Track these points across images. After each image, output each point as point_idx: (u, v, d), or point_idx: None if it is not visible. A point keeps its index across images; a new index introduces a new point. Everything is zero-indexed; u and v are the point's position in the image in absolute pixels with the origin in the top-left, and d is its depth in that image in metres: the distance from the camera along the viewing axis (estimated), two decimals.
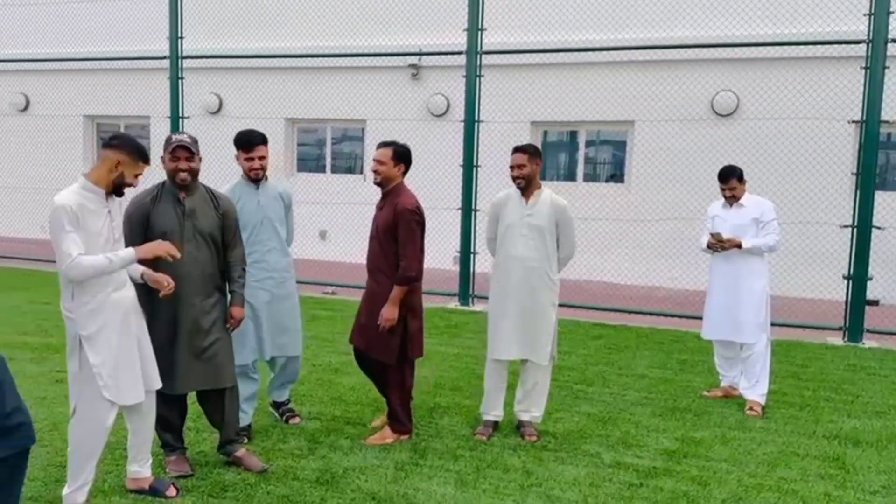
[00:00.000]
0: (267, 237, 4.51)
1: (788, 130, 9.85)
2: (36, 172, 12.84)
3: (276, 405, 4.89)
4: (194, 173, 3.90)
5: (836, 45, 8.21)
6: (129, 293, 3.54)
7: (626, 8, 10.58)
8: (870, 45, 7.33)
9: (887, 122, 7.52)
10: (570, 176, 11.80)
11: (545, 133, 11.91)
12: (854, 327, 7.50)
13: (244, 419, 4.47)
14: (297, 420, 4.81)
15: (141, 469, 3.75)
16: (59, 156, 13.14)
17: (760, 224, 5.26)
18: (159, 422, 3.99)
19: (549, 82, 10.97)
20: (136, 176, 3.45)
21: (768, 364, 5.33)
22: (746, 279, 5.28)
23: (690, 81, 10.30)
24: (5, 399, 2.90)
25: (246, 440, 4.42)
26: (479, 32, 8.58)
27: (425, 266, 4.47)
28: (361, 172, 12.67)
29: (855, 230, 7.48)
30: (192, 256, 3.87)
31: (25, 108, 14.62)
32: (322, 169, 13.19)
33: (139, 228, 3.80)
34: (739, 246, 5.21)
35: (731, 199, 5.36)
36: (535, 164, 4.57)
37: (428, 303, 6.66)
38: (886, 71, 7.33)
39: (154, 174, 3.90)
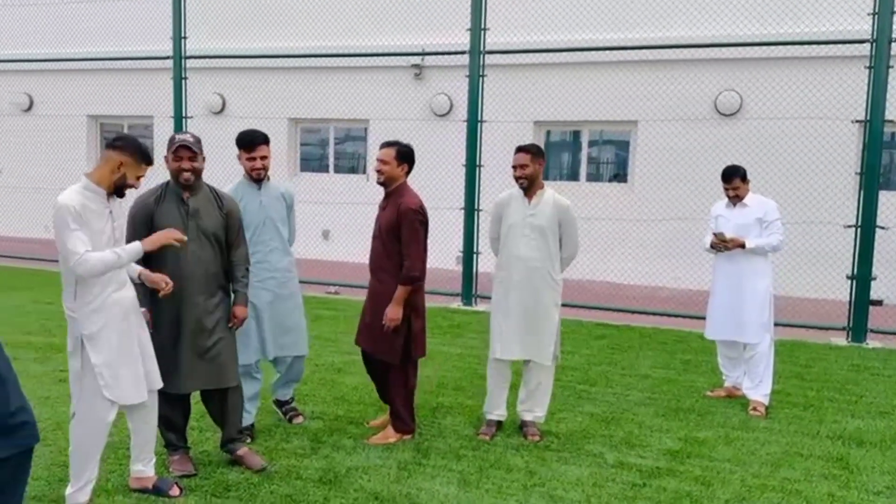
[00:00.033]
0: (269, 237, 4.51)
1: (792, 130, 9.83)
2: (39, 172, 12.87)
3: (280, 404, 4.90)
4: (197, 173, 3.90)
5: (839, 45, 8.20)
6: (130, 293, 3.55)
7: (630, 7, 10.57)
8: (874, 44, 7.31)
9: (891, 121, 7.52)
10: (573, 176, 11.80)
11: (548, 133, 11.90)
12: (858, 327, 7.48)
13: (247, 419, 4.47)
14: (300, 419, 4.81)
15: (145, 468, 3.76)
16: (62, 156, 13.17)
17: (764, 224, 5.25)
18: (162, 421, 4.00)
19: (553, 82, 10.97)
20: (138, 178, 3.46)
21: (772, 364, 5.32)
22: (750, 279, 5.27)
23: (693, 81, 10.28)
24: (9, 398, 2.90)
25: (249, 440, 4.43)
26: (483, 32, 8.57)
27: (428, 266, 4.47)
28: (364, 172, 12.68)
29: (859, 230, 7.46)
30: (196, 256, 3.88)
31: (29, 108, 14.65)
32: (325, 169, 13.20)
33: (143, 228, 3.80)
34: (743, 246, 5.20)
35: (735, 198, 5.36)
36: (537, 164, 4.56)
37: (431, 303, 6.66)
38: (890, 70, 7.31)
39: (157, 174, 3.91)
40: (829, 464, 4.35)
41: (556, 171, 11.93)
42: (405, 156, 4.48)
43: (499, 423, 4.75)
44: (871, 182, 7.40)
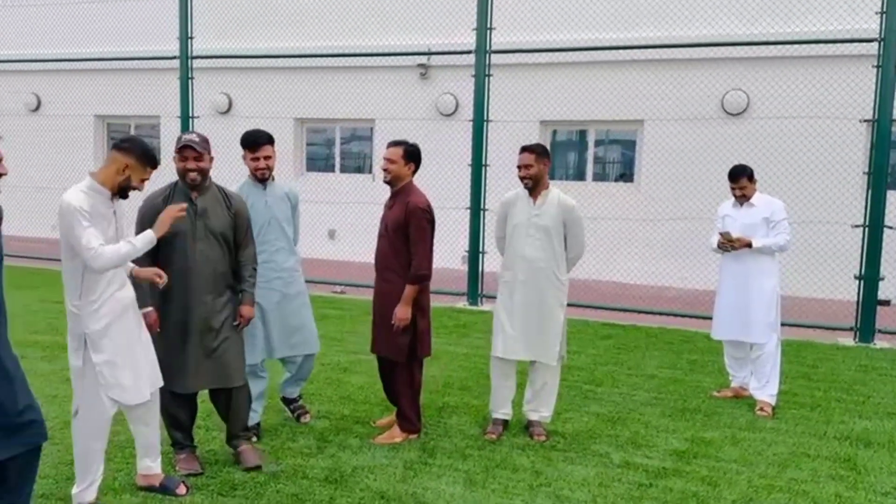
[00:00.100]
0: (274, 237, 4.52)
1: (799, 129, 9.79)
2: (47, 172, 12.91)
3: (287, 402, 4.90)
4: (204, 173, 3.91)
5: (847, 44, 8.17)
6: (130, 293, 3.57)
7: (636, 7, 10.55)
8: (882, 43, 7.27)
9: None
10: (580, 175, 11.78)
11: (554, 132, 11.89)
12: (865, 328, 7.45)
13: (253, 417, 4.47)
14: (307, 418, 4.82)
15: (152, 465, 3.76)
16: (69, 155, 13.21)
17: (771, 223, 5.23)
18: (169, 420, 4.02)
19: (559, 81, 10.95)
20: (143, 181, 3.47)
21: (779, 364, 5.31)
22: (757, 279, 5.25)
23: (700, 80, 10.25)
24: (17, 397, 2.92)
25: (255, 438, 4.44)
26: (488, 32, 8.57)
27: (434, 266, 4.47)
28: (370, 172, 12.68)
29: (866, 230, 7.43)
30: (204, 255, 3.89)
31: (37, 108, 14.72)
32: (331, 168, 13.21)
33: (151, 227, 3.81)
34: (750, 245, 5.19)
35: (742, 198, 5.34)
36: (542, 164, 4.55)
37: (436, 302, 6.66)
38: None
39: (167, 174, 3.92)
40: (837, 464, 4.33)
41: (563, 171, 11.92)
42: (412, 155, 4.48)
43: (505, 423, 4.74)
44: (879, 182, 7.36)
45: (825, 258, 9.04)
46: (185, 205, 3.68)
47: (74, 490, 3.54)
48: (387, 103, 11.99)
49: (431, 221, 4.39)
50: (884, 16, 7.26)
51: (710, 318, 5.66)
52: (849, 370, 6.38)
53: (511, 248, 4.65)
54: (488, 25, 8.56)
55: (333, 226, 12.35)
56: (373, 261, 4.60)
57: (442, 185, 7.98)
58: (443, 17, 10.75)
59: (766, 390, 5.25)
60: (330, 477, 3.99)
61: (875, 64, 7.35)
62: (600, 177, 11.75)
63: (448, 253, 8.18)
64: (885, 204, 7.36)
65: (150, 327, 3.80)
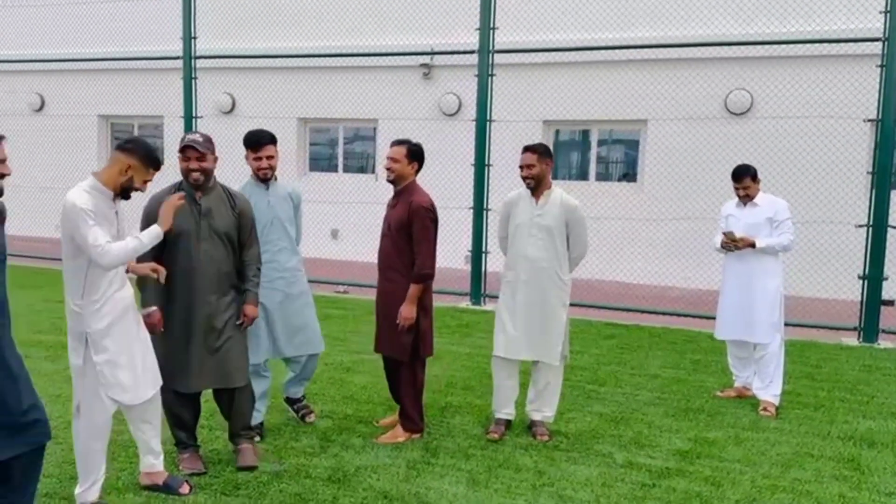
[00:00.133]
0: (277, 237, 4.52)
1: (803, 129, 9.77)
2: (50, 172, 12.94)
3: (291, 402, 4.90)
4: (207, 173, 3.91)
5: (851, 43, 8.15)
6: (129, 292, 3.57)
7: (639, 6, 10.54)
8: (885, 42, 7.26)
9: None
10: (583, 175, 11.77)
11: (557, 132, 11.88)
12: (869, 328, 7.43)
13: (257, 417, 4.48)
14: (312, 417, 4.82)
15: (155, 462, 3.77)
16: (73, 155, 13.24)
17: (774, 223, 5.22)
18: (173, 419, 4.03)
19: (562, 81, 10.94)
20: (145, 182, 3.48)
21: (782, 364, 5.30)
22: (760, 279, 5.25)
23: (703, 80, 10.24)
24: (21, 396, 2.92)
25: (258, 438, 4.44)
26: (491, 31, 8.56)
27: (437, 265, 4.47)
28: (373, 172, 12.69)
29: (870, 230, 7.41)
30: (209, 255, 3.89)
31: (41, 108, 14.75)
32: (334, 168, 13.22)
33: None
34: (753, 245, 5.18)
35: (745, 198, 5.33)
36: (544, 164, 4.55)
37: (439, 302, 6.66)
38: None
39: (169, 174, 3.92)
40: (841, 465, 4.32)
41: (566, 171, 11.91)
42: (415, 154, 4.49)
43: (507, 423, 4.74)
44: (882, 181, 7.35)
45: (829, 258, 9.03)
46: (182, 193, 3.70)
47: (77, 490, 3.55)
48: (390, 103, 11.99)
49: (435, 220, 4.40)
50: (888, 15, 7.25)
51: (714, 318, 5.66)
52: (852, 370, 6.37)
53: (513, 247, 4.65)
54: (491, 25, 8.56)
55: (336, 226, 12.36)
56: (376, 260, 4.60)
57: (445, 184, 7.98)
58: (446, 17, 10.75)
59: (769, 390, 5.24)
60: (333, 476, 3.99)
61: (879, 63, 7.33)
62: (603, 177, 11.74)
63: (451, 253, 8.18)
64: (888, 204, 7.35)
65: (154, 326, 3.82)
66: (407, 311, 4.33)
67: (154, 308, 3.82)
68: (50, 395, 5.01)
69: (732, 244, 5.23)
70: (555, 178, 11.43)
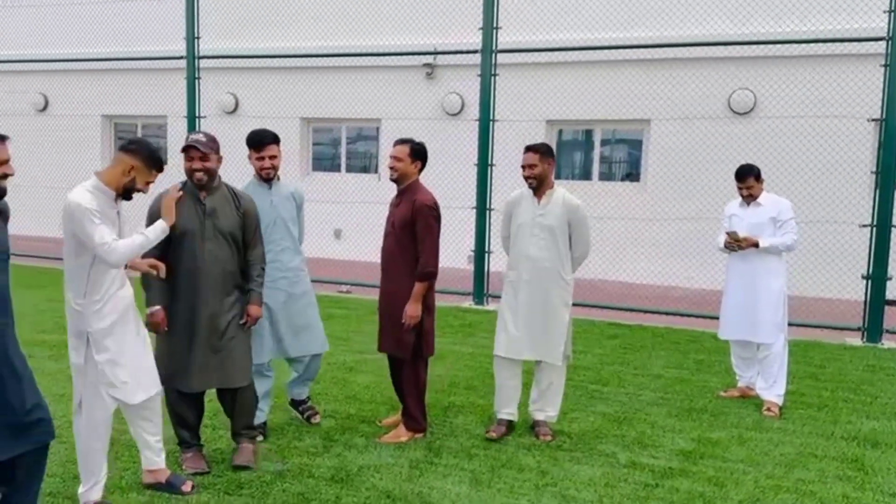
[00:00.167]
0: (280, 237, 4.51)
1: (807, 129, 9.75)
2: (54, 172, 12.97)
3: (296, 404, 4.87)
4: (210, 173, 3.91)
5: (855, 43, 8.13)
6: (129, 292, 3.58)
7: (642, 5, 10.53)
8: (889, 42, 7.24)
9: None
10: (586, 175, 11.76)
11: (560, 132, 11.87)
12: (873, 328, 7.42)
13: (260, 416, 4.48)
14: (317, 419, 4.79)
15: (157, 459, 3.77)
16: (77, 155, 13.27)
17: (778, 223, 5.21)
18: (176, 419, 4.03)
19: (565, 81, 10.94)
20: (147, 183, 3.49)
21: (786, 364, 5.29)
22: (764, 278, 5.24)
23: (707, 79, 10.23)
24: (25, 395, 2.93)
25: (261, 438, 4.45)
26: (494, 31, 8.56)
27: (440, 265, 4.47)
28: (376, 172, 12.69)
29: (874, 229, 7.40)
30: (213, 255, 3.90)
31: (45, 108, 14.78)
32: (337, 168, 13.23)
33: None
34: (757, 245, 5.17)
35: (749, 197, 5.32)
36: (546, 164, 4.54)
37: (442, 302, 6.65)
38: None
39: (174, 174, 3.93)
40: (844, 465, 4.31)
41: (569, 171, 11.90)
42: (418, 153, 4.49)
43: (509, 424, 4.71)
44: (886, 181, 7.33)
45: (833, 258, 9.01)
46: (179, 185, 3.72)
47: (80, 490, 3.55)
48: (393, 103, 12.00)
49: (438, 218, 4.41)
50: (891, 14, 7.23)
51: (717, 318, 5.65)
52: (856, 370, 6.36)
53: (516, 247, 4.64)
54: (494, 25, 8.55)
55: (339, 225, 12.37)
56: (378, 260, 4.61)
57: (448, 184, 7.98)
58: (449, 17, 10.75)
59: (773, 390, 5.23)
60: (336, 476, 3.99)
61: (883, 63, 7.32)
62: (606, 176, 11.73)
63: (454, 252, 8.18)
64: (892, 203, 7.33)
65: (157, 326, 3.83)
66: (412, 310, 4.34)
67: (158, 307, 3.83)
68: (53, 394, 5.02)
69: (736, 244, 5.22)
70: (558, 177, 11.40)
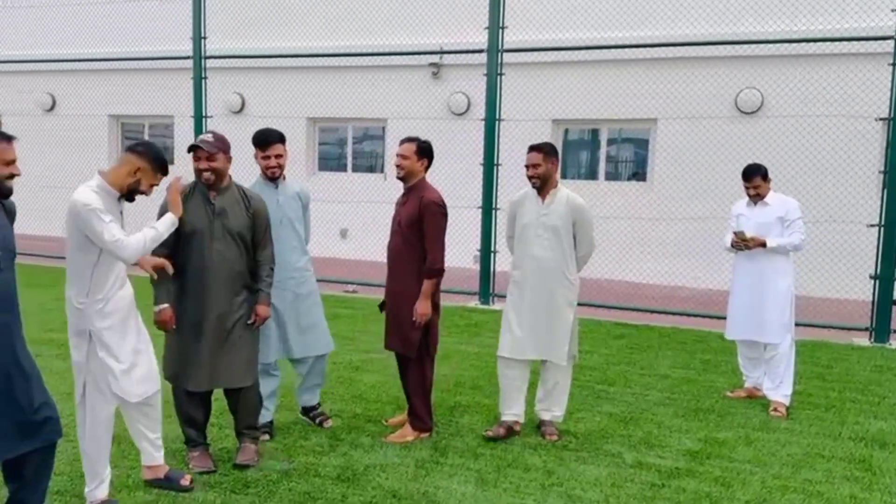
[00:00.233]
0: (287, 236, 4.51)
1: (814, 128, 9.72)
2: (61, 171, 13.02)
3: (307, 411, 4.81)
4: (217, 173, 3.92)
5: (863, 42, 8.10)
6: (130, 291, 3.60)
7: (649, 4, 10.50)
8: None
9: None
10: (592, 174, 11.74)
11: (566, 131, 11.86)
12: (881, 328, 7.38)
13: (266, 416, 4.49)
14: (329, 423, 4.73)
15: (157, 455, 3.79)
16: (84, 155, 13.31)
17: (785, 223, 5.19)
18: (183, 417, 4.04)
19: (571, 80, 10.92)
20: (151, 186, 3.51)
21: (793, 365, 5.27)
22: (771, 278, 5.22)
23: (714, 79, 10.20)
24: (33, 394, 2.95)
25: (268, 437, 4.45)
26: (500, 31, 8.55)
27: (446, 264, 4.47)
28: (382, 171, 12.70)
29: (882, 229, 7.36)
30: (222, 255, 3.91)
31: (52, 108, 14.84)
32: (343, 168, 13.24)
33: None
34: (764, 245, 5.15)
35: (756, 197, 5.30)
36: (550, 164, 4.53)
37: (448, 301, 6.65)
38: None
39: (178, 173, 3.93)
40: (852, 465, 4.29)
41: (575, 170, 11.88)
42: (425, 151, 4.50)
43: (510, 427, 4.65)
44: (894, 181, 7.29)
45: (840, 258, 8.97)
46: (181, 176, 3.73)
47: (86, 490, 3.57)
48: (399, 103, 12.00)
49: (445, 216, 4.41)
50: None
51: (724, 318, 5.63)
52: (864, 370, 6.33)
53: (520, 247, 4.64)
54: (500, 24, 8.54)
55: (345, 225, 12.38)
56: (384, 260, 4.61)
57: (454, 184, 7.97)
58: (455, 17, 10.75)
59: (779, 391, 5.21)
60: (342, 475, 4.00)
61: (891, 62, 7.28)
62: (613, 176, 11.70)
63: (460, 252, 8.17)
64: None
65: (165, 324, 3.84)
66: (422, 307, 4.34)
67: (166, 305, 3.84)
68: (61, 392, 5.03)
69: (743, 244, 5.20)
70: (564, 177, 11.46)
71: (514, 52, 8.93)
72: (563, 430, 4.71)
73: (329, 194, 10.71)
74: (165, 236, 3.55)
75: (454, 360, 6.29)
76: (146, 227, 3.47)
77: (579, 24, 10.54)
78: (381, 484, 3.90)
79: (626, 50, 9.65)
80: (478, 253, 9.00)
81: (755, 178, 5.25)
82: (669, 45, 8.94)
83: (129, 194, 3.47)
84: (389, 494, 3.78)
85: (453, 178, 8.30)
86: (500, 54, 8.59)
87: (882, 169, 7.52)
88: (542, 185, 4.55)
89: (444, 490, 3.85)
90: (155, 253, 3.75)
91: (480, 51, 8.75)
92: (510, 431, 4.63)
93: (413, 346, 4.42)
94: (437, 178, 4.98)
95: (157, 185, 3.54)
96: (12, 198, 3.03)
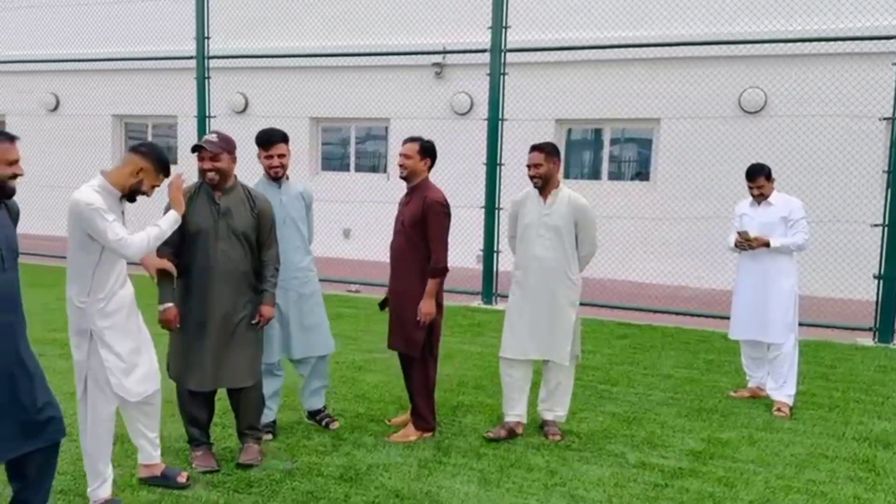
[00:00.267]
0: (290, 236, 4.51)
1: (817, 128, 9.70)
2: (65, 171, 13.04)
3: (313, 415, 4.78)
4: (222, 173, 3.92)
5: (866, 41, 8.08)
6: (131, 290, 3.60)
7: (652, 4, 10.49)
8: None
9: None
10: (595, 174, 11.73)
11: (569, 131, 11.85)
12: (885, 328, 7.37)
13: (269, 415, 4.49)
14: (336, 425, 4.70)
15: (154, 453, 3.80)
16: (87, 155, 13.33)
17: (789, 223, 5.18)
18: (186, 417, 4.05)
19: (574, 80, 10.91)
20: (153, 187, 3.52)
21: (796, 364, 5.26)
22: (774, 278, 5.21)
23: (717, 78, 10.18)
24: (36, 394, 2.95)
25: (270, 436, 4.46)
26: (504, 30, 8.55)
27: (448, 264, 4.47)
28: (385, 171, 12.71)
29: (886, 229, 7.34)
30: (226, 255, 3.91)
31: (55, 108, 14.87)
32: (346, 168, 13.25)
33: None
34: (767, 245, 5.14)
35: (759, 197, 5.29)
36: (551, 164, 4.53)
37: (451, 301, 6.65)
38: None
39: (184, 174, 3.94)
40: (855, 466, 4.29)
41: (578, 170, 11.88)
42: (428, 150, 4.50)
43: (512, 430, 4.63)
44: None
45: (844, 257, 8.95)
46: (180, 172, 3.72)
47: (89, 489, 3.58)
48: (402, 102, 12.00)
49: (449, 215, 4.42)
50: None
51: (727, 318, 5.62)
52: (867, 370, 6.32)
53: (522, 247, 4.63)
54: (503, 24, 8.54)
55: (348, 225, 12.39)
56: (388, 260, 4.61)
57: (457, 183, 7.97)
58: (458, 16, 10.74)
59: (783, 391, 5.20)
60: (345, 475, 4.00)
61: (895, 61, 7.26)
62: (616, 175, 11.69)
63: (463, 252, 8.16)
64: None
65: (169, 323, 3.85)
66: (427, 307, 4.34)
67: (170, 304, 3.85)
68: (64, 392, 5.03)
69: (746, 243, 5.19)
70: (567, 177, 11.46)
71: (518, 52, 8.93)
72: (565, 430, 4.70)
73: (332, 194, 10.72)
74: (169, 233, 3.56)
75: (457, 360, 6.29)
76: (149, 225, 3.48)
77: (582, 24, 10.53)
78: (383, 483, 3.91)
79: (630, 49, 9.65)
80: (481, 253, 9.00)
81: (759, 177, 5.24)
82: (673, 45, 8.93)
83: (130, 194, 3.47)
84: (392, 494, 3.79)
85: (456, 178, 8.30)
86: (503, 54, 8.58)
87: (886, 168, 7.50)
88: (544, 184, 4.55)
89: (447, 490, 3.85)
90: (160, 253, 3.76)
91: (483, 50, 8.76)
92: (511, 433, 4.62)
93: (417, 346, 4.42)
94: (440, 177, 4.98)
95: (158, 185, 3.55)
96: (15, 197, 3.03)
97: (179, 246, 3.86)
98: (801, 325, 5.47)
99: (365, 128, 13.11)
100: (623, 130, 11.60)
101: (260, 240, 4.06)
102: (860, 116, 9.26)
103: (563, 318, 4.53)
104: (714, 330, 7.45)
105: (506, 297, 4.96)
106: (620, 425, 4.86)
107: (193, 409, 4.03)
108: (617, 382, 5.82)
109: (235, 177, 4.04)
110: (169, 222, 3.55)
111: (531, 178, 4.56)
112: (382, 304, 4.71)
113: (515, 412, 4.68)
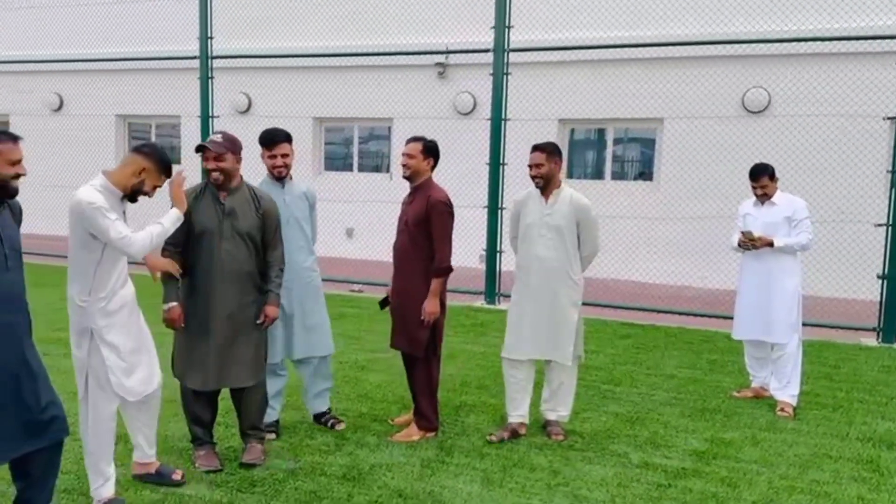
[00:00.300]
0: (293, 236, 4.51)
1: (821, 127, 9.68)
2: (68, 171, 13.07)
3: (318, 417, 4.77)
4: (226, 173, 3.92)
5: (870, 41, 8.06)
6: (132, 290, 3.61)
7: (655, 4, 10.48)
8: None
9: None
10: (598, 174, 11.73)
11: (573, 131, 11.84)
12: (889, 328, 7.35)
13: (272, 415, 4.50)
14: (341, 426, 4.69)
15: (150, 452, 3.81)
16: (91, 155, 13.35)
17: (793, 222, 5.17)
18: (190, 416, 4.05)
19: (577, 80, 10.91)
20: (155, 187, 3.52)
21: (800, 365, 5.25)
22: (778, 278, 5.20)
23: (721, 78, 10.17)
24: (40, 393, 2.96)
25: (274, 436, 4.46)
26: (507, 30, 8.54)
27: (452, 264, 4.47)
28: (388, 171, 12.71)
29: (890, 229, 7.33)
30: (230, 255, 3.91)
31: (59, 108, 14.90)
32: (349, 167, 13.26)
33: (181, 224, 3.85)
34: (771, 244, 5.13)
35: (763, 197, 5.29)
36: (553, 164, 4.52)
37: (454, 301, 6.65)
38: None
39: (189, 175, 3.94)
40: (859, 466, 4.28)
41: (581, 170, 11.87)
42: (431, 150, 4.50)
43: (515, 430, 4.63)
44: None
45: (848, 257, 8.94)
46: (182, 170, 3.73)
47: (91, 489, 3.58)
48: (405, 102, 12.00)
49: (452, 215, 4.42)
50: None
51: (731, 318, 5.62)
52: (871, 371, 6.30)
53: (524, 247, 4.63)
54: (506, 24, 8.53)
55: (351, 224, 12.39)
56: (390, 259, 4.61)
57: (460, 183, 7.97)
58: (461, 16, 10.74)
59: (786, 391, 5.19)
60: (348, 474, 4.00)
61: None
62: (619, 175, 11.68)
63: (466, 251, 8.17)
64: None
65: (173, 322, 3.85)
66: (431, 306, 4.34)
67: (175, 304, 3.85)
68: (68, 392, 5.03)
69: (750, 243, 5.19)
70: (570, 177, 11.45)
71: (520, 52, 8.92)
72: (568, 430, 4.70)
73: (335, 194, 10.72)
74: (171, 231, 3.56)
75: (460, 360, 6.29)
76: (153, 222, 3.48)
77: (585, 24, 10.52)
78: (386, 483, 3.91)
79: (633, 49, 9.63)
80: (483, 252, 9.00)
81: (762, 177, 5.23)
82: (676, 45, 8.92)
83: (132, 195, 3.48)
84: (395, 494, 3.79)
85: (459, 178, 8.29)
86: (506, 54, 8.58)
87: (890, 168, 7.48)
88: (546, 184, 4.54)
89: (450, 490, 3.85)
90: (165, 253, 3.77)
91: (486, 50, 8.75)
92: (514, 434, 4.62)
93: (420, 346, 4.42)
94: (443, 177, 4.98)
95: (160, 186, 3.55)
96: (18, 197, 3.04)
97: (184, 246, 3.87)
98: (804, 325, 5.46)
99: (368, 128, 13.12)
100: (626, 130, 11.59)
101: (265, 240, 4.06)
102: (864, 116, 9.24)
103: (566, 318, 4.53)
104: (717, 330, 7.44)
105: (509, 296, 4.96)
106: (624, 425, 4.86)
107: (197, 408, 4.04)
108: (620, 382, 5.82)
109: (241, 177, 4.04)
110: (171, 220, 3.56)
111: (533, 178, 4.55)
112: (383, 303, 4.71)
113: (518, 412, 4.68)
